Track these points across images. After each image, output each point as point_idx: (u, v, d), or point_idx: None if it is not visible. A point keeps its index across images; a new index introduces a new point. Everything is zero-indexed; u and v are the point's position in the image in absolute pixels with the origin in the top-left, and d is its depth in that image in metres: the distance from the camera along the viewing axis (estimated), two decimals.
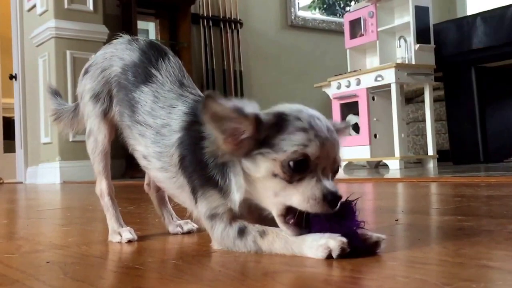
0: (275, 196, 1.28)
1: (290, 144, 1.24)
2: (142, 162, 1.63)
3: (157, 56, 1.68)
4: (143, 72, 1.65)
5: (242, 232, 1.35)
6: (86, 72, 1.79)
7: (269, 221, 1.36)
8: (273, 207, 1.30)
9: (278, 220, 1.29)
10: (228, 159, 1.34)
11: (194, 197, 1.43)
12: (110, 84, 1.71)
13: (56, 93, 2.00)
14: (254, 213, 1.38)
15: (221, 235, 1.38)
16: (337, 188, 1.27)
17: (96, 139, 1.74)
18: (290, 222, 1.27)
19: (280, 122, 1.26)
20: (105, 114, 1.73)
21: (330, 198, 1.23)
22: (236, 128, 1.26)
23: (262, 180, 1.29)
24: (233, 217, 1.38)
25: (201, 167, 1.39)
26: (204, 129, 1.38)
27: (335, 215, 1.24)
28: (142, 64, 1.67)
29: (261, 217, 1.37)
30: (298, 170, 1.24)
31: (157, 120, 1.55)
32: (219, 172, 1.37)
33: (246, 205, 1.37)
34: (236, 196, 1.35)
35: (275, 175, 1.26)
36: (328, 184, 1.25)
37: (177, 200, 1.60)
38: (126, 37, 1.78)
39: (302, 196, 1.24)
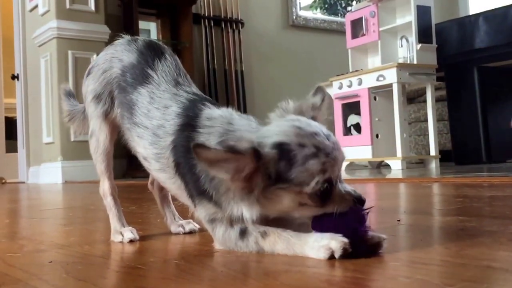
0: (303, 216, 1.31)
1: (309, 175, 1.23)
2: (144, 164, 1.63)
3: (153, 56, 1.68)
4: (140, 73, 1.65)
5: (243, 233, 1.35)
6: (89, 73, 1.79)
7: (270, 221, 1.36)
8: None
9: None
10: (245, 197, 1.30)
11: (193, 202, 1.44)
12: (111, 86, 1.72)
13: (70, 94, 2.01)
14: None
15: (223, 237, 1.38)
16: (356, 190, 1.29)
17: (98, 140, 1.74)
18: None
19: (286, 154, 1.24)
20: (107, 115, 1.73)
21: (359, 200, 1.27)
22: (236, 166, 1.23)
23: (287, 210, 1.30)
24: (233, 220, 1.37)
25: (194, 178, 1.39)
26: (195, 134, 1.39)
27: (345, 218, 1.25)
28: (140, 65, 1.67)
29: (262, 217, 1.37)
30: (326, 194, 1.25)
31: (153, 122, 1.55)
32: (212, 188, 1.35)
33: None
34: (248, 215, 1.32)
35: (302, 204, 1.27)
36: (350, 190, 1.28)
37: (180, 199, 1.60)
38: (126, 37, 1.79)
39: (336, 209, 1.26)
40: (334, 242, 1.19)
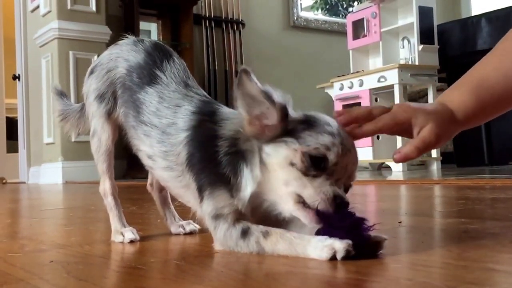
0: (287, 185, 1.29)
1: (315, 141, 1.26)
2: (146, 162, 1.63)
3: (162, 58, 1.68)
4: (148, 73, 1.65)
5: (245, 233, 1.34)
6: (91, 72, 1.79)
7: (272, 222, 1.36)
8: (287, 197, 1.30)
9: (295, 208, 1.29)
10: (248, 146, 1.35)
11: (200, 195, 1.42)
12: (115, 85, 1.71)
13: (62, 94, 2.01)
14: (258, 214, 1.37)
15: (224, 236, 1.38)
16: (347, 197, 1.29)
17: (100, 139, 1.74)
18: (309, 212, 1.27)
19: (310, 122, 1.30)
20: (109, 115, 1.73)
21: (339, 200, 1.26)
22: (262, 111, 1.29)
23: (277, 168, 1.30)
24: (238, 218, 1.37)
25: (212, 164, 1.38)
26: (217, 128, 1.40)
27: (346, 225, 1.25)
28: (147, 65, 1.67)
29: (264, 218, 1.37)
30: (315, 165, 1.26)
31: (163, 120, 1.55)
32: (232, 169, 1.36)
33: (250, 205, 1.36)
34: (248, 190, 1.34)
35: (292, 164, 1.28)
36: (339, 190, 1.28)
37: (181, 200, 1.60)
38: (131, 38, 1.78)
39: (314, 190, 1.26)
40: (338, 243, 1.19)
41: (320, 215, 1.25)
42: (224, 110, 1.49)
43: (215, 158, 1.38)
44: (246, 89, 1.27)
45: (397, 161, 1.39)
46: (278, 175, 1.30)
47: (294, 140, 1.28)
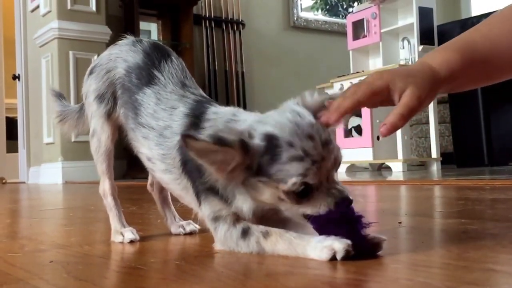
0: (286, 211, 1.31)
1: (288, 174, 1.22)
2: (147, 164, 1.63)
3: (160, 58, 1.68)
4: (146, 74, 1.65)
5: (245, 233, 1.34)
6: (91, 72, 1.79)
7: (272, 222, 1.36)
8: (294, 216, 1.32)
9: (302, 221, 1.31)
10: (227, 185, 1.34)
11: (198, 200, 1.43)
12: (115, 86, 1.71)
13: (60, 96, 2.01)
14: (258, 214, 1.37)
15: (224, 236, 1.38)
16: (346, 190, 1.27)
17: (100, 139, 1.74)
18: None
19: (271, 148, 1.24)
20: (109, 115, 1.73)
21: (341, 203, 1.25)
22: (223, 158, 1.24)
23: (270, 202, 1.30)
24: (237, 219, 1.37)
25: (201, 174, 1.38)
26: (201, 130, 1.38)
27: (345, 221, 1.24)
28: (146, 66, 1.66)
29: (264, 218, 1.37)
30: (303, 195, 1.25)
31: (159, 122, 1.55)
32: (219, 183, 1.36)
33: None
34: (245, 208, 1.35)
35: (281, 199, 1.27)
36: (336, 190, 1.26)
37: (183, 201, 1.60)
38: (130, 38, 1.78)
39: (314, 208, 1.26)
40: (337, 243, 1.18)
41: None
42: (212, 109, 1.47)
43: (200, 169, 1.36)
44: (196, 149, 1.22)
45: (385, 134, 1.32)
46: (273, 205, 1.31)
47: (267, 179, 1.25)
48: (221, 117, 1.40)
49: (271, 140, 1.24)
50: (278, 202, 1.28)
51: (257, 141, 1.25)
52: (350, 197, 1.27)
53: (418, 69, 1.39)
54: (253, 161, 1.25)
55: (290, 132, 1.24)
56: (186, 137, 1.21)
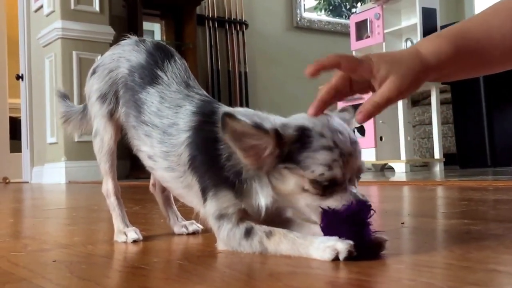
0: (307, 206, 1.30)
1: (316, 163, 1.25)
2: (147, 163, 1.63)
3: (163, 58, 1.68)
4: (149, 73, 1.65)
5: (248, 233, 1.34)
6: (93, 72, 1.79)
7: (275, 222, 1.37)
8: (310, 212, 1.32)
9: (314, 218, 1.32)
10: (253, 173, 1.34)
11: (204, 196, 1.43)
12: (117, 85, 1.72)
13: (64, 96, 2.01)
14: (269, 213, 1.38)
15: (227, 235, 1.38)
16: (365, 197, 1.29)
17: (102, 139, 1.74)
18: None
19: (303, 137, 1.27)
20: (112, 115, 1.73)
21: (361, 203, 1.27)
22: (256, 144, 1.27)
23: (291, 193, 1.31)
24: (241, 218, 1.38)
25: (215, 167, 1.39)
26: (217, 129, 1.38)
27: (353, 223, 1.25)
28: (149, 65, 1.67)
29: (268, 218, 1.37)
30: (328, 187, 1.26)
31: (164, 120, 1.55)
32: (236, 176, 1.36)
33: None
34: (263, 202, 1.35)
35: (304, 190, 1.28)
36: (357, 193, 1.28)
37: (183, 200, 1.60)
38: (133, 38, 1.79)
39: (336, 203, 1.27)
40: (340, 243, 1.19)
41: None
42: (227, 108, 1.48)
43: (217, 161, 1.38)
44: (233, 130, 1.24)
45: (360, 121, 1.32)
46: (295, 197, 1.31)
47: (295, 165, 1.27)
48: (244, 114, 1.40)
49: (303, 131, 1.28)
50: (300, 193, 1.29)
51: (291, 131, 1.28)
52: (369, 203, 1.28)
53: (406, 55, 1.38)
54: (284, 149, 1.27)
55: (321, 124, 1.29)
56: (227, 116, 1.23)
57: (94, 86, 1.76)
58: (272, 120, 1.35)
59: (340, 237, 1.21)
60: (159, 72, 1.64)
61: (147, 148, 1.59)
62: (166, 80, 1.63)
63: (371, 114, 1.33)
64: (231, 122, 1.24)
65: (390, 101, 1.33)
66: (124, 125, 1.72)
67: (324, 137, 1.26)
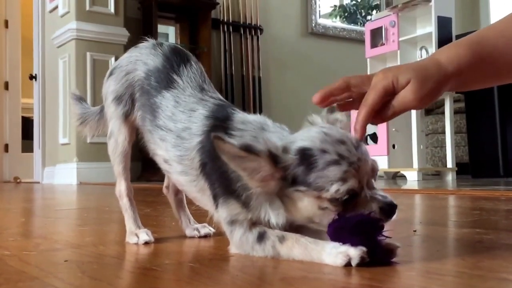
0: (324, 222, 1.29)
1: (328, 180, 1.23)
2: (163, 166, 1.63)
3: (179, 62, 1.69)
4: (165, 77, 1.65)
5: (261, 237, 1.35)
6: (110, 74, 1.80)
7: (287, 229, 1.37)
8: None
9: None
10: (263, 195, 1.33)
11: (216, 202, 1.43)
12: (133, 88, 1.72)
13: (80, 99, 2.02)
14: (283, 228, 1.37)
15: (240, 240, 1.38)
16: (389, 196, 1.28)
17: (117, 141, 1.75)
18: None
19: (306, 159, 1.25)
20: (127, 116, 1.73)
21: (387, 208, 1.27)
22: (253, 166, 1.25)
23: (309, 214, 1.29)
24: (253, 223, 1.37)
25: (223, 178, 1.38)
26: (229, 135, 1.37)
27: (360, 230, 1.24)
28: (165, 69, 1.67)
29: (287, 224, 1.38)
30: (348, 200, 1.25)
31: (178, 124, 1.55)
32: (243, 189, 1.35)
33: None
34: (274, 221, 1.34)
35: (323, 208, 1.26)
36: (379, 196, 1.27)
37: (198, 203, 1.60)
38: (151, 41, 1.79)
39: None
40: (352, 249, 1.18)
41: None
42: (238, 116, 1.47)
43: (224, 171, 1.37)
44: (226, 152, 1.23)
45: (376, 124, 1.32)
46: (314, 217, 1.30)
47: (306, 188, 1.25)
48: (249, 128, 1.40)
49: (303, 151, 1.26)
50: (317, 212, 1.27)
51: (292, 155, 1.26)
52: (395, 202, 1.28)
53: (425, 63, 1.37)
54: (286, 173, 1.26)
55: (320, 140, 1.26)
56: (215, 138, 1.22)
57: (110, 87, 1.77)
58: (273, 138, 1.33)
59: (344, 243, 1.21)
60: (175, 76, 1.65)
61: (163, 152, 1.60)
62: (182, 84, 1.63)
63: (386, 119, 1.32)
64: (222, 145, 1.22)
65: (407, 108, 1.32)
66: (140, 129, 1.72)
67: (327, 152, 1.24)
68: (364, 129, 1.33)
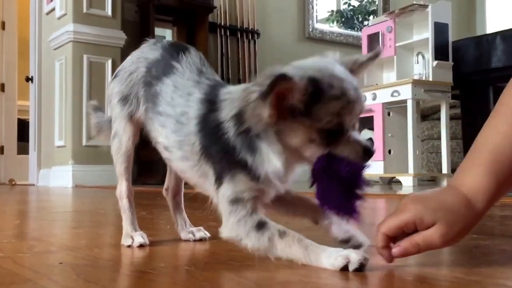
0: (313, 156, 1.31)
1: (326, 113, 1.25)
2: (164, 155, 1.62)
3: (178, 51, 1.69)
4: (165, 65, 1.66)
5: (261, 226, 1.32)
6: (115, 76, 1.81)
7: (283, 204, 1.43)
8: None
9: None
10: (263, 129, 1.32)
11: (219, 181, 1.40)
12: (138, 86, 1.72)
13: (97, 108, 2.02)
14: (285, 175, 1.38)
15: (238, 222, 1.34)
16: (370, 143, 1.34)
17: (121, 140, 1.74)
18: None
19: (315, 90, 1.26)
20: (131, 116, 1.73)
21: (367, 150, 1.31)
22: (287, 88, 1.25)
23: (299, 146, 1.30)
24: (256, 208, 1.36)
25: (227, 153, 1.38)
26: (218, 112, 1.40)
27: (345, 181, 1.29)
28: (164, 59, 1.68)
29: (277, 199, 1.42)
30: (334, 135, 1.27)
31: (177, 109, 1.55)
32: (248, 150, 1.35)
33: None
34: (276, 162, 1.34)
35: (312, 141, 1.28)
36: (360, 139, 1.32)
37: (200, 190, 1.57)
38: (151, 40, 1.80)
39: (342, 152, 1.29)
40: (354, 254, 1.19)
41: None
42: (224, 90, 1.48)
43: (227, 144, 1.37)
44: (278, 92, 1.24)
45: (396, 256, 1.25)
46: (301, 149, 1.31)
47: (305, 118, 1.26)
48: (235, 90, 1.43)
49: (315, 83, 1.26)
50: (307, 144, 1.29)
51: (304, 81, 1.26)
52: (373, 148, 1.32)
53: (451, 201, 1.29)
54: (299, 98, 1.26)
55: (329, 75, 1.29)
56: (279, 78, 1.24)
57: (115, 89, 1.77)
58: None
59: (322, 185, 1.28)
60: (174, 63, 1.65)
61: (163, 139, 1.59)
62: (181, 69, 1.63)
63: (409, 253, 1.25)
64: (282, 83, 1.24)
65: (432, 247, 1.25)
66: (144, 122, 1.72)
67: (333, 87, 1.27)
68: (388, 247, 1.29)
